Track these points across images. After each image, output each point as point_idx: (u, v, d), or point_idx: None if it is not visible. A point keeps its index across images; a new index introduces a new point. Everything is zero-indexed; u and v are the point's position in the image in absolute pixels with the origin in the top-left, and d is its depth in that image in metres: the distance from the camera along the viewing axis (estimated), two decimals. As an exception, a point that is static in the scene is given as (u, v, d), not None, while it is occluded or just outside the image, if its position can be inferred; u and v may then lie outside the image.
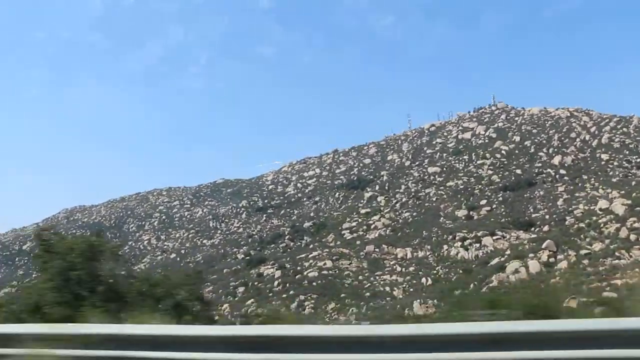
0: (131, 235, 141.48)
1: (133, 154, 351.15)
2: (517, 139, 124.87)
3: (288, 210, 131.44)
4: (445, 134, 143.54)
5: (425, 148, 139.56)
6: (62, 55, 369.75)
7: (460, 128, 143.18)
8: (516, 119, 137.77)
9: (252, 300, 79.97)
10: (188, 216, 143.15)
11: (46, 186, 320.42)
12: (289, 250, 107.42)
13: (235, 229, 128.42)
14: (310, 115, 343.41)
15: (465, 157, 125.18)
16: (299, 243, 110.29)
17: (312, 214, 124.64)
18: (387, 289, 78.71)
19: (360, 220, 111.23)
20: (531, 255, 66.30)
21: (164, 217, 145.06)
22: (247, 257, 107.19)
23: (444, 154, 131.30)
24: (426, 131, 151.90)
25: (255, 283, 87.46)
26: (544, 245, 66.62)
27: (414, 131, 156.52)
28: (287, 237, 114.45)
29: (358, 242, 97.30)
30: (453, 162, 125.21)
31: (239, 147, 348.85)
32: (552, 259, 63.99)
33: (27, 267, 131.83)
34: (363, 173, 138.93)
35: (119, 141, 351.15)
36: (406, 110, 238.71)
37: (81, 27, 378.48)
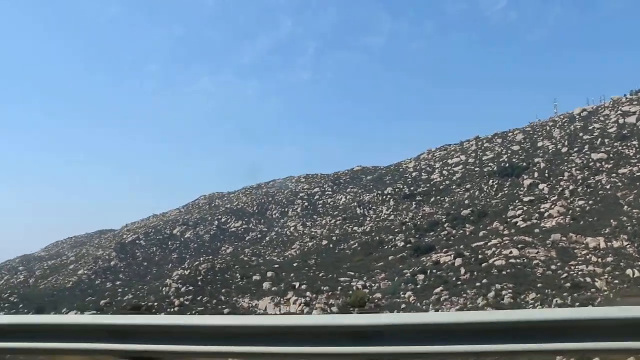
0: (276, 221, 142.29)
1: (255, 142, 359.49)
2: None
3: (438, 197, 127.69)
4: (602, 118, 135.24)
5: (581, 134, 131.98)
6: (178, 50, 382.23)
7: (619, 112, 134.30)
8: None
9: (440, 288, 77.01)
10: (332, 203, 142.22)
11: (180, 174, 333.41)
12: (452, 238, 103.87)
13: (385, 216, 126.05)
14: (432, 103, 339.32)
15: (634, 142, 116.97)
16: (461, 231, 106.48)
17: (466, 202, 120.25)
18: (588, 280, 73.62)
19: (525, 208, 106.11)
20: None
21: (306, 204, 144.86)
22: (409, 245, 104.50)
23: (607, 140, 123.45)
24: (577, 117, 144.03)
25: (434, 271, 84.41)
26: None
27: (562, 117, 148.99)
28: (446, 224, 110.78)
29: (536, 231, 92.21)
30: (620, 148, 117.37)
31: (365, 135, 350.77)
32: None
33: (180, 251, 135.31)
34: (514, 160, 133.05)
35: (239, 131, 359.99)
36: (539, 96, 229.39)
37: (195, 23, 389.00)
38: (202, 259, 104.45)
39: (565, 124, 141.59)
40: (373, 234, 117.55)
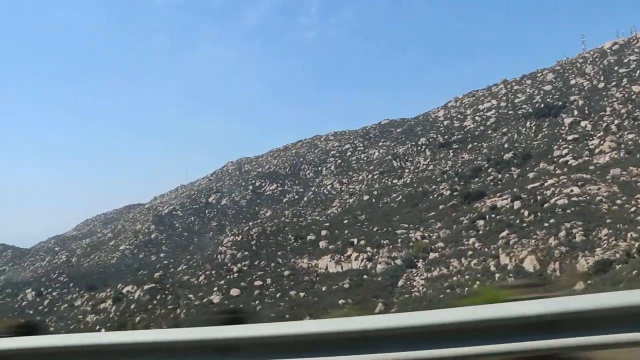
0: (310, 181, 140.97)
1: (274, 102, 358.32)
2: None
3: (475, 144, 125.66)
4: (636, 50, 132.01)
5: (616, 67, 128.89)
6: (181, 18, 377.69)
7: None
8: None
9: (505, 232, 75.85)
10: (365, 158, 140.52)
11: (199, 142, 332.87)
12: (500, 182, 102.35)
13: (423, 166, 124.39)
14: (449, 49, 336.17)
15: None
16: (507, 175, 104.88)
17: (505, 145, 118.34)
18: (659, 211, 72.07)
19: (570, 146, 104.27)
20: None
21: (339, 161, 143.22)
22: (455, 193, 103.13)
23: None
24: (608, 51, 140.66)
25: (493, 216, 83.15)
26: None
27: (591, 52, 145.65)
28: (490, 169, 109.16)
29: (591, 167, 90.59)
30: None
31: (387, 87, 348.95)
32: None
33: (219, 218, 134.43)
34: (548, 100, 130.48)
35: (257, 94, 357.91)
36: (564, 33, 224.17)
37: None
38: (251, 224, 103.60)
39: (597, 59, 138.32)
40: (415, 185, 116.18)
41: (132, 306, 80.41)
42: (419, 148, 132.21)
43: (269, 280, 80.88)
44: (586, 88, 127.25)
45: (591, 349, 4.51)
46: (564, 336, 4.33)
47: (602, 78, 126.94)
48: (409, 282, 73.93)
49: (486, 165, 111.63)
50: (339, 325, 4.87)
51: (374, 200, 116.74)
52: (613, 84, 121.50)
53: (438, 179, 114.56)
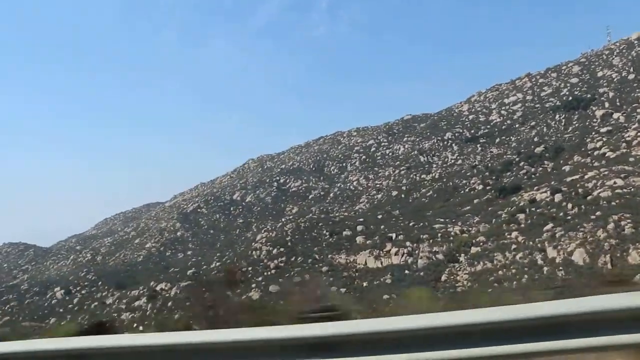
0: (336, 177, 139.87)
1: (291, 100, 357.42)
2: None
3: (503, 138, 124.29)
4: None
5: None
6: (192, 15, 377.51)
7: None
8: None
9: (550, 225, 74.50)
10: (390, 154, 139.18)
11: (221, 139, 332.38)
12: (534, 176, 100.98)
13: (452, 161, 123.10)
14: (464, 43, 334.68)
15: None
16: (540, 168, 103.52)
17: (535, 139, 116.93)
18: None
19: (605, 139, 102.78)
20: None
21: (363, 156, 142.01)
22: (488, 187, 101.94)
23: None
24: (635, 42, 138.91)
25: (534, 209, 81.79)
26: None
27: (617, 44, 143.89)
28: (521, 163, 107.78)
29: (631, 159, 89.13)
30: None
31: (405, 83, 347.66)
32: None
33: (245, 215, 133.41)
34: (576, 93, 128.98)
35: (272, 91, 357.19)
36: (584, 26, 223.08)
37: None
38: (283, 220, 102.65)
39: (624, 51, 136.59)
40: (444, 180, 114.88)
41: (169, 304, 79.52)
42: (445, 143, 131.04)
43: (307, 277, 79.70)
44: (615, 80, 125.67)
45: (596, 350, 4.51)
46: (569, 337, 4.36)
47: (631, 69, 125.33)
48: (452, 277, 72.74)
49: (517, 159, 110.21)
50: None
51: (403, 195, 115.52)
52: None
53: (468, 174, 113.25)
